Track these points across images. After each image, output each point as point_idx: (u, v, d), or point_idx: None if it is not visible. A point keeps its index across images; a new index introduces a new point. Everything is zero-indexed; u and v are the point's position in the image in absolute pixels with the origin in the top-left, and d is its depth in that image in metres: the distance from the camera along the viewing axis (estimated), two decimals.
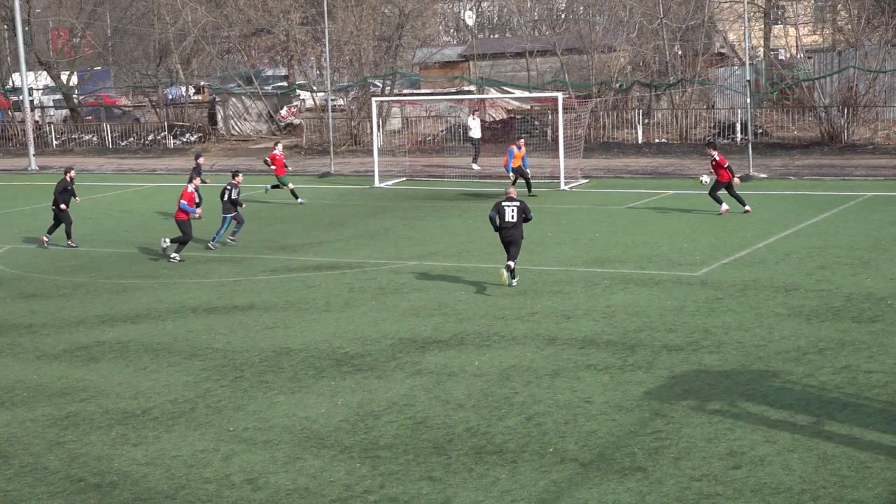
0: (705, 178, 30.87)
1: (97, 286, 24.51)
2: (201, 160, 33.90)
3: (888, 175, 36.64)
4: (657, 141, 47.37)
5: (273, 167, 35.88)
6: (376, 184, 39.80)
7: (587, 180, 38.66)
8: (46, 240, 29.79)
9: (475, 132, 43.28)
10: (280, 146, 36.94)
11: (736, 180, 30.49)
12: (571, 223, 29.60)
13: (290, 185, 35.46)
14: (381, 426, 14.69)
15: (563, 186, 36.40)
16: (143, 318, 21.38)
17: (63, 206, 29.48)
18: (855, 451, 12.90)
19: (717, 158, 30.14)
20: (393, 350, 18.23)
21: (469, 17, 77.78)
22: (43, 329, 20.91)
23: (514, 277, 22.32)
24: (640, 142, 47.38)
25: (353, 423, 14.88)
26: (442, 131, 50.83)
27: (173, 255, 27.00)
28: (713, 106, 49.34)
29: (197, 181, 29.43)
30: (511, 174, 34.85)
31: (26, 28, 54.96)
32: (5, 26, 61.17)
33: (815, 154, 42.34)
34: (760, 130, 45.57)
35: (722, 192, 30.13)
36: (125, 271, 26.02)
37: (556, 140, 39.06)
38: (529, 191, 34.55)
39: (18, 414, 16.07)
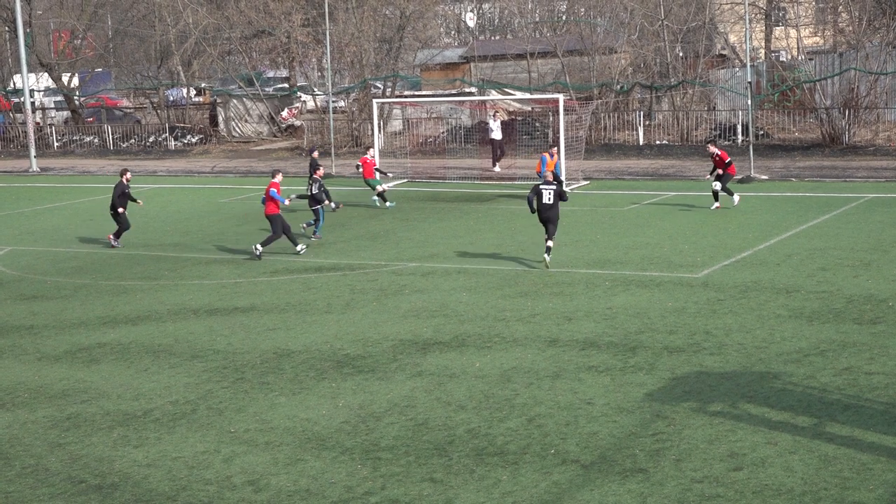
0: (717, 185, 31.55)
1: (98, 288, 24.52)
2: (316, 154, 33.64)
3: (889, 177, 36.63)
4: (658, 143, 47.39)
5: (361, 170, 35.22)
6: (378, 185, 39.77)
7: (588, 182, 38.68)
8: (114, 241, 29.52)
9: (496, 134, 42.70)
10: (371, 151, 36.11)
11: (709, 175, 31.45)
12: (572, 225, 29.60)
13: (379, 188, 34.77)
14: (382, 428, 14.69)
15: (564, 188, 36.38)
16: (144, 319, 21.38)
17: (121, 210, 29.03)
18: (856, 452, 12.90)
19: (720, 154, 30.65)
20: (394, 351, 18.23)
21: (470, 19, 77.83)
22: (44, 330, 20.91)
23: (547, 252, 24.26)
24: (640, 143, 47.40)
25: (354, 424, 14.88)
26: (443, 133, 50.84)
27: (257, 246, 26.66)
28: (714, 107, 49.35)
29: (321, 171, 31.06)
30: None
31: (27, 30, 55.02)
32: (6, 28, 61.22)
33: (817, 156, 42.36)
34: (761, 132, 45.58)
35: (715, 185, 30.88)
36: (126, 273, 26.03)
37: (557, 142, 39.08)
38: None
39: (19, 415, 16.07)
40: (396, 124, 53.60)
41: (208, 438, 14.66)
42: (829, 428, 13.72)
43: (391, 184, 38.68)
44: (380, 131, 45.34)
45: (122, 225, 29.43)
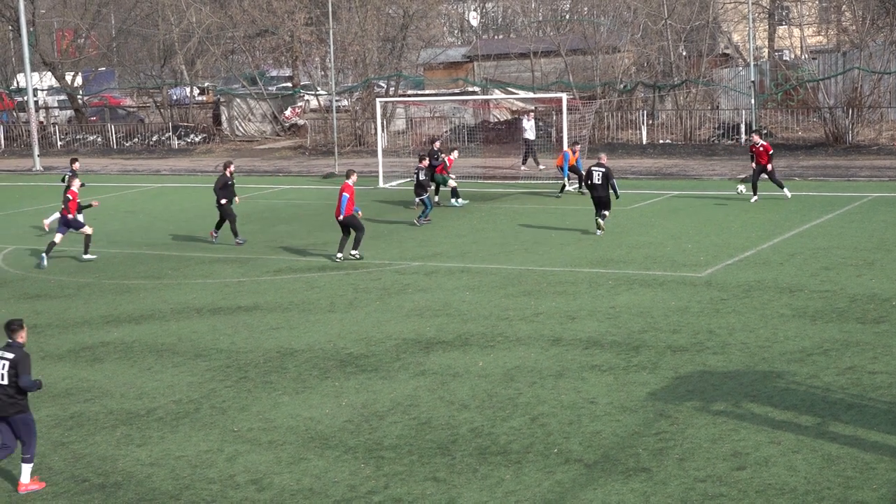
0: (741, 188, 32.72)
1: (101, 287, 24.53)
2: (437, 144, 33.27)
3: (893, 176, 36.59)
4: (661, 142, 47.35)
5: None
6: (380, 184, 39.80)
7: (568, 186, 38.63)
8: (215, 235, 29.12)
9: (530, 133, 42.03)
10: (456, 153, 35.77)
11: (769, 167, 32.10)
12: (575, 224, 29.58)
13: (452, 184, 34.49)
14: (385, 427, 14.69)
15: (567, 187, 36.37)
16: (147, 318, 21.39)
17: (224, 201, 28.47)
18: (859, 451, 12.89)
19: (765, 145, 31.76)
20: (397, 350, 18.24)
21: (473, 18, 77.81)
22: (47, 329, 20.93)
23: (600, 228, 27.42)
24: (644, 142, 47.36)
25: (357, 423, 14.88)
26: (446, 132, 50.82)
27: (353, 252, 25.79)
28: (717, 107, 49.31)
29: (425, 163, 31.60)
30: (564, 174, 35.18)
31: (31, 29, 55.06)
32: (10, 27, 61.21)
33: (820, 155, 42.31)
34: (765, 131, 45.52)
35: (744, 179, 32.16)
36: (129, 272, 26.04)
37: (560, 141, 39.05)
38: (578, 188, 35.27)
39: None
40: (399, 123, 53.58)
41: (212, 437, 14.67)
42: (833, 427, 13.72)
43: (395, 183, 38.65)
44: (383, 130, 45.31)
45: (228, 217, 28.52)
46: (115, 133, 58.49)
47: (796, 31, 52.37)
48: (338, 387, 16.51)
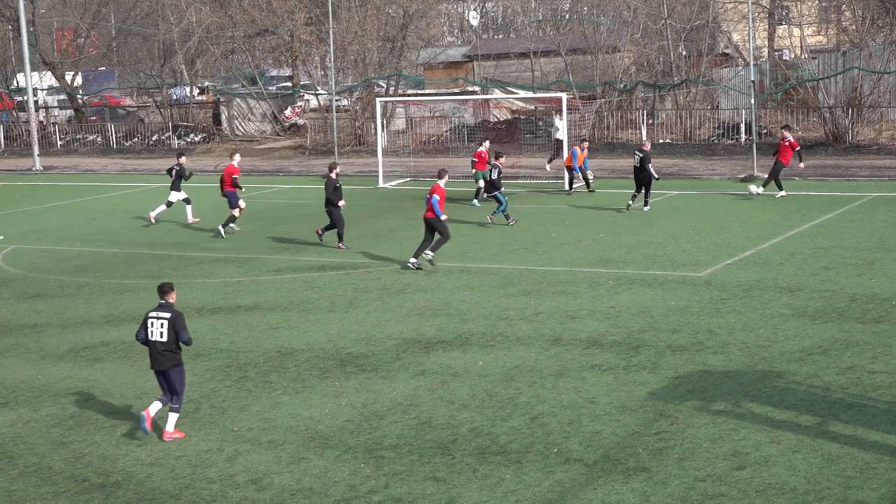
0: (754, 189, 33.15)
1: (101, 286, 24.53)
2: (502, 160, 32.68)
3: (893, 175, 36.60)
4: (661, 141, 47.35)
5: (475, 161, 34.83)
6: (380, 184, 39.80)
7: (592, 180, 38.64)
8: (321, 233, 28.05)
9: (562, 133, 41.01)
10: (487, 143, 35.30)
11: (801, 166, 32.99)
12: (575, 224, 29.59)
13: (481, 183, 34.23)
14: (385, 426, 14.69)
15: (566, 187, 36.39)
16: None
17: (342, 203, 27.38)
18: (859, 451, 12.89)
19: (791, 142, 32.19)
20: (397, 350, 18.24)
21: (473, 18, 77.82)
22: (47, 329, 20.93)
23: (645, 205, 30.93)
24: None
25: (357, 423, 14.89)
26: (446, 132, 50.82)
27: (429, 254, 24.68)
28: (717, 106, 49.32)
29: (503, 159, 31.92)
30: (577, 172, 35.59)
31: (31, 28, 55.07)
32: (10, 26, 61.22)
33: (820, 155, 42.29)
34: (765, 131, 45.52)
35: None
36: (129, 271, 26.04)
37: (587, 137, 39.08)
38: (587, 187, 36.15)
39: (23, 414, 16.08)
40: (399, 123, 53.57)
41: (211, 437, 14.67)
42: (833, 427, 13.72)
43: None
44: (383, 130, 45.29)
45: (338, 222, 27.45)
46: (115, 133, 58.50)
47: (796, 31, 52.39)
48: (338, 386, 16.51)
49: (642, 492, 12.18)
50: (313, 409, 15.56)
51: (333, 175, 27.65)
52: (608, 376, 16.27)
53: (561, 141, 40.76)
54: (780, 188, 32.33)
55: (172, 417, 14.71)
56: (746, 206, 31.53)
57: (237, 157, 31.24)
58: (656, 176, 31.26)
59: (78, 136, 59.63)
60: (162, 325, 14.61)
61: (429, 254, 24.60)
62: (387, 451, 13.82)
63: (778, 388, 15.28)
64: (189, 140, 57.14)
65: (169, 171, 32.74)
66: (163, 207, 32.64)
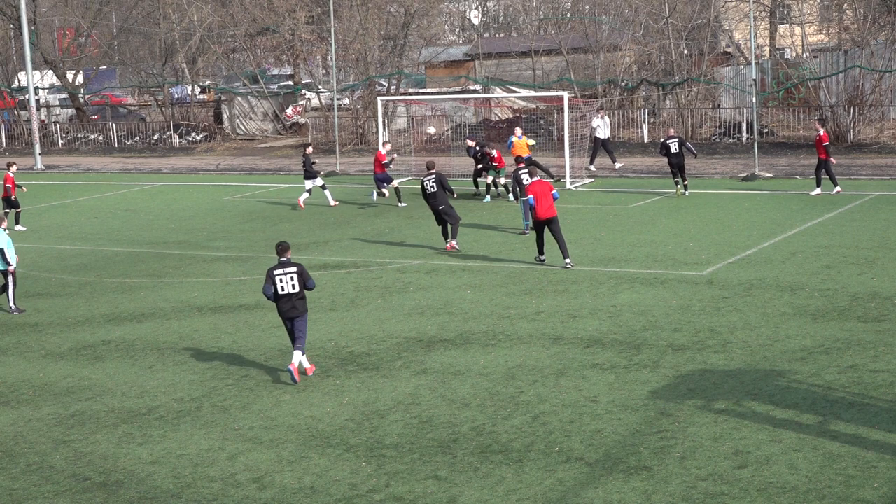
0: (820, 191, 32.75)
1: (103, 285, 24.54)
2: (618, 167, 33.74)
3: (894, 174, 36.58)
4: (663, 140, 47.26)
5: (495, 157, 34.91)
6: None
7: (593, 179, 38.64)
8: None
9: (603, 132, 40.73)
10: (519, 129, 36.02)
11: (832, 160, 32.82)
12: (577, 222, 29.58)
13: (490, 179, 34.66)
14: (386, 425, 14.70)
15: (568, 186, 36.38)
16: (148, 317, 21.40)
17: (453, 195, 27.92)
18: (861, 450, 12.89)
19: (822, 136, 32.30)
20: (398, 349, 18.24)
21: (475, 17, 77.85)
22: (49, 328, 20.94)
23: (685, 190, 33.56)
24: (645, 141, 47.32)
25: (358, 422, 14.89)
26: (447, 130, 50.80)
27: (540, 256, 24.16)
28: (719, 105, 49.29)
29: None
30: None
31: (32, 27, 55.04)
32: (11, 25, 61.21)
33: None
34: (766, 130, 45.49)
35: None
36: (130, 270, 26.05)
37: (561, 139, 39.04)
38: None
39: (24, 413, 16.10)
40: (401, 122, 53.56)
41: (213, 436, 14.68)
42: (834, 426, 13.72)
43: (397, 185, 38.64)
44: (384, 129, 45.27)
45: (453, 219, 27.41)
46: (117, 131, 58.49)
47: (797, 30, 52.30)
48: (339, 385, 16.52)
49: (643, 491, 12.18)
50: (314, 407, 15.57)
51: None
52: (609, 375, 16.27)
53: (600, 139, 40.55)
54: (835, 183, 32.61)
55: (298, 355, 16.61)
56: (748, 204, 31.53)
57: (388, 146, 35.35)
58: (696, 154, 35.37)
59: (79, 135, 59.63)
60: (292, 277, 16.63)
61: (542, 257, 24.01)
62: (388, 449, 13.82)
63: (779, 387, 15.28)
64: (190, 139, 57.14)
65: (303, 163, 35.33)
66: (306, 195, 34.89)
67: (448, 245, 26.21)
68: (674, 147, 33.17)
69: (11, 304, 22.27)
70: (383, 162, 34.25)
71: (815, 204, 31.00)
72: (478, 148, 34.95)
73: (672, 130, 35.68)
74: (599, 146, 40.66)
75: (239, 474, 13.35)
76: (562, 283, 22.36)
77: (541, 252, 24.04)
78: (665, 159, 34.45)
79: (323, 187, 34.89)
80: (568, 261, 23.74)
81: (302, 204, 34.74)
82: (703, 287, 21.45)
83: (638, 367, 16.55)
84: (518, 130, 35.55)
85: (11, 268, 22.35)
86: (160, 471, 13.59)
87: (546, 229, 23.79)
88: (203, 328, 20.26)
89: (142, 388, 16.90)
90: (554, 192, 23.86)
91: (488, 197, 34.50)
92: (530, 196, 23.73)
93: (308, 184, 34.91)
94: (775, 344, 17.40)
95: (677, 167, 33.52)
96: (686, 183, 33.79)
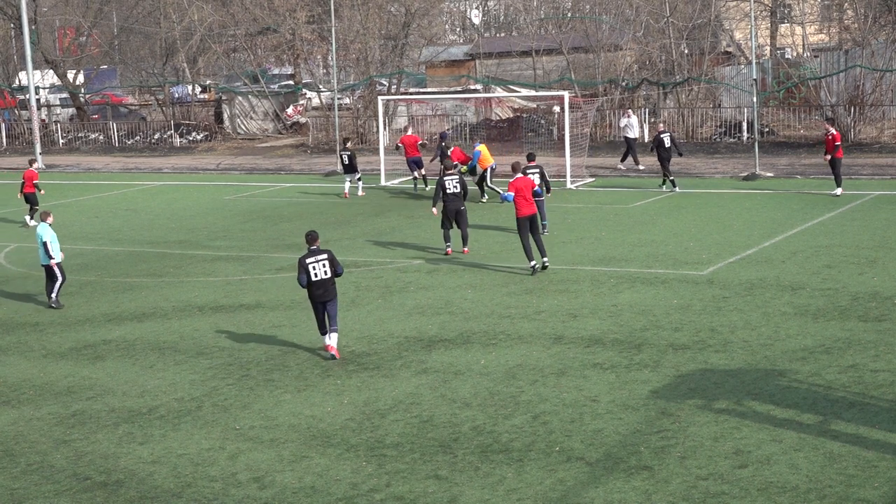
0: (838, 192, 32.47)
1: (103, 285, 24.54)
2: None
3: (895, 174, 36.57)
4: (655, 135, 47.22)
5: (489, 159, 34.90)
6: (382, 182, 39.79)
7: (593, 179, 38.64)
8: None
9: (629, 131, 40.80)
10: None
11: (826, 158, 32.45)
12: (577, 222, 29.58)
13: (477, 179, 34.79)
14: (387, 425, 14.70)
15: (569, 185, 36.38)
16: (149, 316, 21.40)
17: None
18: (861, 450, 12.89)
19: (834, 135, 31.99)
20: (399, 349, 18.24)
21: (475, 16, 77.84)
22: (49, 327, 20.95)
23: (674, 185, 34.04)
24: (646, 140, 47.30)
25: (359, 421, 14.89)
26: (448, 130, 50.81)
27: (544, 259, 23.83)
28: (719, 105, 49.28)
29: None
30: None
31: (33, 27, 55.01)
32: (12, 25, 61.21)
33: (822, 153, 42.21)
34: (767, 129, 45.49)
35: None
36: (131, 270, 26.05)
37: (562, 139, 39.03)
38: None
39: (25, 412, 16.10)
40: (401, 121, 53.57)
41: (213, 435, 14.68)
42: (834, 425, 13.72)
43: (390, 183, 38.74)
44: (385, 128, 45.27)
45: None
46: (117, 131, 58.49)
47: (798, 29, 52.30)
48: (339, 385, 16.52)
49: (644, 490, 12.19)
50: (315, 407, 15.57)
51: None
52: (610, 375, 16.27)
53: (630, 139, 40.50)
54: (838, 184, 32.38)
55: (335, 337, 17.76)
56: (748, 204, 31.52)
57: (409, 130, 38.60)
58: (682, 153, 36.24)
59: (80, 135, 59.62)
60: (324, 264, 17.68)
61: (546, 261, 23.58)
62: (389, 449, 13.83)
63: (780, 387, 15.28)
64: (191, 138, 57.14)
65: (341, 158, 37.28)
66: (348, 184, 36.79)
67: (464, 249, 25.95)
68: (667, 141, 34.26)
69: (53, 295, 22.51)
70: (418, 143, 36.35)
71: (815, 203, 31.00)
72: (443, 144, 35.39)
73: (662, 125, 36.68)
74: (634, 145, 40.61)
75: (239, 474, 13.35)
76: (562, 283, 22.35)
77: (529, 257, 23.23)
78: (656, 154, 34.53)
79: (359, 179, 36.86)
80: (545, 260, 23.43)
81: (347, 195, 36.43)
82: (703, 286, 21.45)
83: (638, 367, 16.55)
84: (477, 141, 36.73)
85: (54, 261, 22.50)
86: (161, 470, 13.59)
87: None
88: (204, 328, 20.27)
89: (142, 388, 16.90)
90: (536, 188, 23.87)
91: (485, 197, 34.39)
92: (510, 193, 23.15)
93: (349, 177, 36.74)
94: (776, 343, 17.40)
95: (667, 161, 34.39)
96: (673, 178, 34.52)
